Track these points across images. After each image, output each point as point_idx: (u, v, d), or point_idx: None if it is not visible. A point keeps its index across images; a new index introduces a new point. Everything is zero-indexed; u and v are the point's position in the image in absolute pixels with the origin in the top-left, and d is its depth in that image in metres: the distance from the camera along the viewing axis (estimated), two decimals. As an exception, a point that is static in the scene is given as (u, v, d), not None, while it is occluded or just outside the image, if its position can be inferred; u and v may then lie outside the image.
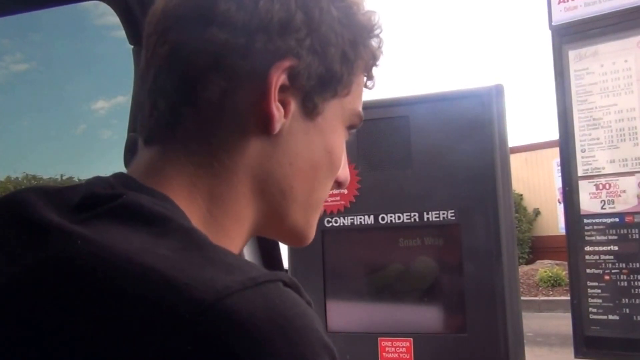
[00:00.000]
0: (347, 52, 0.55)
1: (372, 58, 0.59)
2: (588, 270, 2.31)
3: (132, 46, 1.04)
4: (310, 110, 0.54)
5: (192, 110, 0.52)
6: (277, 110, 0.52)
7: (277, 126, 0.52)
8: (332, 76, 0.55)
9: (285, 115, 0.53)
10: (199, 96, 0.51)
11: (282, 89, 0.52)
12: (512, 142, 1.54)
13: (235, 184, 0.53)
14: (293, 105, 0.53)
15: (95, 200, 0.47)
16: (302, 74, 0.52)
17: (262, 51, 0.51)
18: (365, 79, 0.61)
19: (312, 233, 0.61)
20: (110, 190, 0.48)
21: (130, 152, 0.95)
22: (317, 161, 0.57)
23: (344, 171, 0.62)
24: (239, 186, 0.53)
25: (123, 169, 0.55)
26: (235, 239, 0.54)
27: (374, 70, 0.61)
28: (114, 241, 0.42)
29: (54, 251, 0.42)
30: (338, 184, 0.62)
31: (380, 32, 0.59)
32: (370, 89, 0.62)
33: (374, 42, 0.59)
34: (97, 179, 0.51)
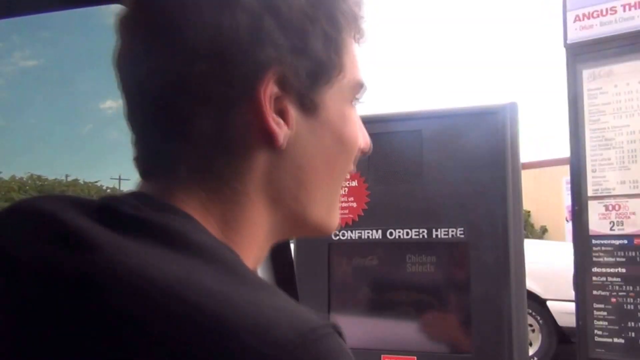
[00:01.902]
0: (327, 32, 0.51)
1: (354, 19, 0.54)
2: (594, 292, 2.29)
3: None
4: (309, 108, 0.51)
5: (190, 146, 0.49)
6: (276, 125, 0.49)
7: (282, 140, 0.49)
8: (320, 67, 0.51)
9: (288, 124, 0.50)
10: (193, 132, 0.48)
11: (276, 99, 0.49)
12: (521, 158, 1.52)
13: (249, 204, 0.51)
14: (292, 111, 0.50)
15: (127, 220, 0.45)
16: (291, 77, 0.49)
17: (243, 71, 0.47)
18: (357, 36, 0.56)
19: (336, 221, 0.58)
20: (136, 212, 0.46)
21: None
22: (331, 154, 0.54)
23: (364, 139, 0.58)
24: (252, 206, 0.51)
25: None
26: (249, 261, 0.52)
27: (361, 24, 0.56)
28: (156, 269, 0.40)
29: (95, 266, 0.40)
30: (363, 153, 0.59)
31: None
32: (363, 42, 0.57)
33: (349, 2, 0.54)
34: (116, 198, 0.48)
